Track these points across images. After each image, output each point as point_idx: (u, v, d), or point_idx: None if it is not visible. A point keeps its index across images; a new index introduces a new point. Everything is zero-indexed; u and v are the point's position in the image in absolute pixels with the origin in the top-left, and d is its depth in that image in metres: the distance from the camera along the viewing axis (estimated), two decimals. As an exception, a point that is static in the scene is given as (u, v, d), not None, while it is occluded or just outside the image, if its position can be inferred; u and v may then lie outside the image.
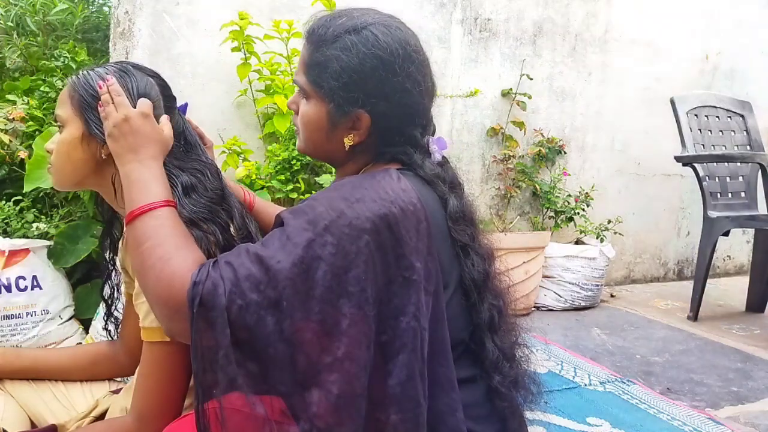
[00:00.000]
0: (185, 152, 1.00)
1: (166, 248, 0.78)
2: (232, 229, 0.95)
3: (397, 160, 0.91)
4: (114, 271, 1.16)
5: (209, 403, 0.73)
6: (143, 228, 0.81)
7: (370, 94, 0.86)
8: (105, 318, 1.20)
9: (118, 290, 1.18)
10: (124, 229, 1.12)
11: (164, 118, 0.95)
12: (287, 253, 0.74)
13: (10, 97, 2.01)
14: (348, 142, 0.90)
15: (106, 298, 1.18)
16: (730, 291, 3.32)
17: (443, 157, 0.95)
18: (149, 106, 0.92)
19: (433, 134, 0.96)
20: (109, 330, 1.20)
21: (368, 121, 0.88)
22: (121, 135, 0.88)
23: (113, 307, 1.18)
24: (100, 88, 0.91)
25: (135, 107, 0.91)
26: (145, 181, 0.86)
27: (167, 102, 1.00)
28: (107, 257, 1.15)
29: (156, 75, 1.01)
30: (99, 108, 0.91)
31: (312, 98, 0.90)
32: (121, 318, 1.20)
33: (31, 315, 1.79)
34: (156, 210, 0.82)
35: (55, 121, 0.98)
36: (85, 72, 0.96)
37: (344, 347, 0.73)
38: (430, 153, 0.93)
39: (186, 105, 1.07)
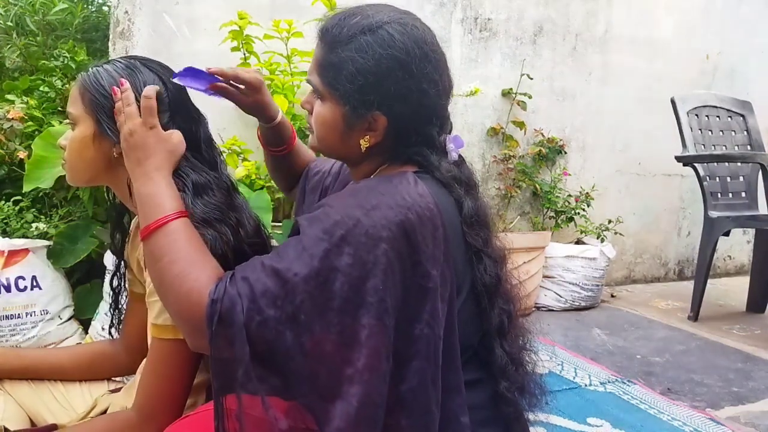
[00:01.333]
0: (198, 158, 0.99)
1: (181, 265, 0.78)
2: (242, 232, 0.95)
3: (413, 161, 0.89)
4: (122, 263, 1.17)
5: (227, 404, 0.73)
6: (157, 245, 0.81)
7: (387, 96, 0.84)
8: (111, 309, 1.20)
9: (125, 283, 1.19)
10: (133, 223, 1.12)
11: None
12: (303, 265, 0.73)
13: (9, 96, 2.01)
14: (364, 143, 0.88)
15: (114, 287, 1.18)
16: (731, 291, 3.31)
17: (460, 156, 0.93)
18: (152, 111, 0.90)
19: (449, 132, 0.94)
20: (113, 323, 1.21)
21: (385, 122, 0.86)
22: (129, 150, 0.88)
23: (121, 299, 1.18)
24: (115, 94, 0.91)
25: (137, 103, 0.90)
26: (153, 195, 0.85)
27: (175, 96, 0.98)
28: (116, 249, 1.15)
29: (164, 68, 1.00)
30: (115, 116, 0.91)
31: (327, 100, 0.87)
32: (123, 314, 1.21)
33: (31, 315, 1.79)
34: (168, 224, 0.82)
35: (67, 118, 0.98)
36: (95, 69, 0.95)
37: (364, 358, 0.72)
38: (447, 152, 0.91)
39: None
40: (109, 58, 1.01)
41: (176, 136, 0.93)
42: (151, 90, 0.91)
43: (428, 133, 0.88)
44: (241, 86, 1.07)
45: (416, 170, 0.88)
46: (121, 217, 1.14)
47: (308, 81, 0.91)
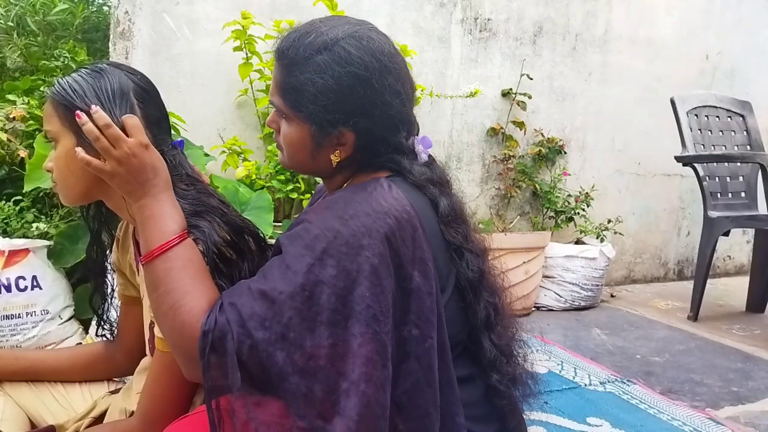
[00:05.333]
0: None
1: (175, 296, 0.79)
2: (227, 210, 0.95)
3: (385, 167, 0.90)
4: (104, 281, 1.16)
5: (222, 403, 0.74)
6: (156, 273, 0.81)
7: (351, 113, 0.84)
8: (97, 325, 1.20)
9: (110, 297, 1.18)
10: (119, 228, 1.12)
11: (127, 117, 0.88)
12: (288, 282, 0.74)
13: (10, 96, 2.01)
14: (335, 159, 0.88)
15: (96, 308, 1.17)
16: (731, 291, 3.31)
17: (429, 155, 0.94)
18: (141, 129, 0.87)
19: (417, 133, 0.95)
20: (104, 336, 1.20)
21: (353, 137, 0.86)
22: (130, 173, 0.84)
23: (104, 315, 1.18)
24: (79, 117, 0.84)
25: (109, 105, 0.87)
26: (158, 217, 0.84)
27: (141, 99, 0.94)
28: (95, 263, 1.15)
29: (134, 72, 0.96)
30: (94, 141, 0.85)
31: (292, 120, 0.87)
32: (114, 319, 1.20)
33: (31, 315, 1.79)
34: (168, 251, 0.82)
35: (46, 137, 0.95)
36: (61, 81, 0.92)
37: (358, 368, 0.72)
38: (416, 154, 0.92)
39: (182, 141, 1.06)
40: (79, 67, 0.96)
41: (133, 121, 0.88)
42: (129, 116, 0.87)
43: (397, 141, 0.89)
44: None
45: (389, 174, 0.88)
46: (98, 234, 1.12)
47: (271, 103, 0.90)
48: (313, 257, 0.75)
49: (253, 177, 2.13)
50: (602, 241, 2.92)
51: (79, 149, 0.86)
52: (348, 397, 0.71)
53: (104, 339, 1.22)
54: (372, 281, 0.74)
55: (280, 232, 2.01)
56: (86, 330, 1.92)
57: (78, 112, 0.85)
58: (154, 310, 0.82)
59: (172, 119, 1.96)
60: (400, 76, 0.87)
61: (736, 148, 2.97)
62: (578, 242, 2.96)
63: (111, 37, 2.21)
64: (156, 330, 0.89)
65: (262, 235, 1.01)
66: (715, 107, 2.98)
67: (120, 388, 1.14)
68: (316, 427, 0.72)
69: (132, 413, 0.98)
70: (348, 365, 0.72)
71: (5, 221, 1.87)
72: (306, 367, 0.73)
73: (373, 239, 0.75)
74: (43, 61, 2.19)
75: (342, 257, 0.74)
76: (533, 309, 2.79)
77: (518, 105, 2.93)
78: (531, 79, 2.95)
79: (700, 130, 2.87)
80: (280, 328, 0.73)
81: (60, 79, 0.93)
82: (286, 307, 0.73)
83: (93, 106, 0.85)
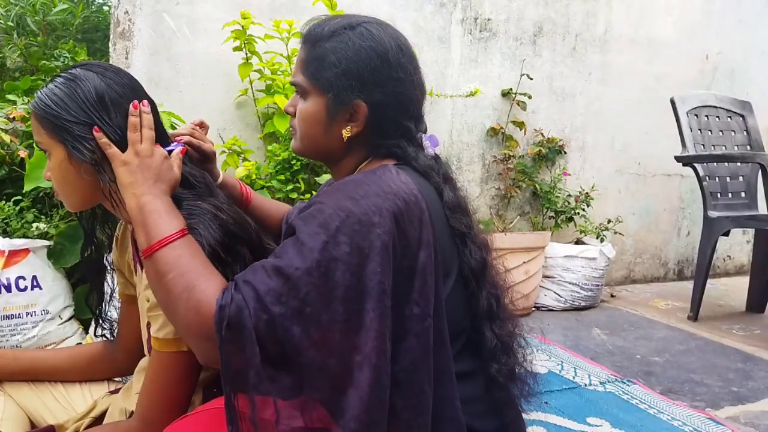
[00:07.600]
0: None
1: (189, 277, 0.79)
2: (223, 215, 0.94)
3: (392, 155, 0.94)
4: (101, 280, 1.16)
5: (239, 407, 0.74)
6: (165, 260, 0.82)
7: (366, 83, 0.89)
8: (96, 324, 1.20)
9: (110, 296, 1.18)
10: (118, 228, 1.12)
11: (176, 154, 0.96)
12: (304, 259, 0.75)
13: (10, 96, 2.01)
14: (346, 133, 0.92)
15: (94, 309, 1.17)
16: (731, 291, 3.31)
17: (436, 154, 0.98)
18: (161, 150, 0.92)
19: (425, 132, 0.99)
20: (103, 335, 1.20)
21: (365, 110, 0.90)
22: (139, 168, 0.89)
23: (102, 315, 1.18)
24: (135, 108, 0.91)
25: (91, 112, 0.90)
26: (160, 212, 0.86)
27: (129, 96, 0.94)
28: (95, 265, 1.15)
29: (106, 68, 0.95)
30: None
31: (310, 94, 0.93)
32: (114, 318, 1.20)
33: (31, 315, 1.79)
34: (175, 241, 0.83)
35: (39, 148, 0.96)
36: (40, 95, 0.92)
37: (371, 342, 0.75)
38: (424, 148, 0.96)
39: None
40: (107, 60, 0.98)
41: (177, 164, 0.95)
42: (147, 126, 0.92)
43: (405, 125, 0.94)
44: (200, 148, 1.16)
45: (395, 163, 0.92)
46: (92, 235, 1.13)
47: (292, 83, 0.96)
48: (327, 235, 0.76)
49: (253, 177, 2.14)
50: (602, 241, 2.92)
51: (99, 134, 0.90)
52: (361, 369, 0.74)
53: (104, 338, 1.22)
54: (383, 257, 0.77)
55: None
56: (86, 330, 1.92)
57: (135, 102, 0.91)
58: (164, 295, 0.81)
59: (172, 119, 1.97)
60: (413, 62, 0.94)
61: (736, 148, 2.97)
62: (578, 242, 2.96)
63: (111, 37, 2.21)
64: (152, 330, 0.89)
65: (260, 241, 1.00)
66: (715, 107, 2.98)
67: (120, 388, 1.14)
68: (331, 398, 0.74)
69: (132, 413, 0.98)
70: (361, 339, 0.75)
71: (5, 221, 1.87)
72: (322, 341, 0.74)
73: (383, 218, 0.78)
74: (43, 61, 2.20)
75: (355, 235, 0.76)
76: (533, 309, 2.79)
77: (518, 105, 2.94)
78: (531, 79, 2.95)
79: (700, 130, 2.87)
80: (296, 302, 0.74)
81: (39, 93, 0.93)
82: (303, 283, 0.74)
83: (144, 103, 0.92)
